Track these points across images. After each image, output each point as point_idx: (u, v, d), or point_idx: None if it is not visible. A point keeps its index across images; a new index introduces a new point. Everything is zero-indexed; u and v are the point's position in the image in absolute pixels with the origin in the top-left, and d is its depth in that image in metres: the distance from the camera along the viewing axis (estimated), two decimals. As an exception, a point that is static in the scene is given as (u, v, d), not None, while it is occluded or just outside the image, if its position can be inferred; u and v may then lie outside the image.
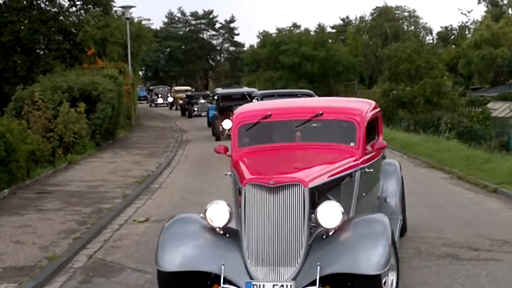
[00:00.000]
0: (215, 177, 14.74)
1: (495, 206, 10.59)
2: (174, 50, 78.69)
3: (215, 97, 26.46)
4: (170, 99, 53.46)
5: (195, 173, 15.65)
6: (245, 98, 22.47)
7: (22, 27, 32.39)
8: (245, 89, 27.96)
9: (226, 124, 21.69)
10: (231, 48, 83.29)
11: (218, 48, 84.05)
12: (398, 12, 64.64)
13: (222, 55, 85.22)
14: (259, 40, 59.91)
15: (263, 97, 17.68)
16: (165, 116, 42.00)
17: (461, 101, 38.95)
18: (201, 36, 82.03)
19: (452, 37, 71.69)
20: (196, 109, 38.54)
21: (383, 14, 62.09)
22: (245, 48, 78.51)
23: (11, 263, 7.42)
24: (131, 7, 30.33)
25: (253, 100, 17.70)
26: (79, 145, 17.92)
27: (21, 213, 10.33)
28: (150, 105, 57.09)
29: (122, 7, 31.13)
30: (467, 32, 69.02)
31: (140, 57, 39.14)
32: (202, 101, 38.84)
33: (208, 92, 47.13)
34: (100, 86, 20.13)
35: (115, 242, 8.67)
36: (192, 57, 79.33)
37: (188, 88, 56.84)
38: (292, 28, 58.24)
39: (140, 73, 75.72)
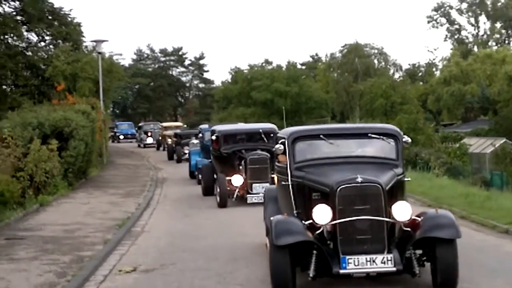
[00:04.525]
0: (199, 219, 13.86)
1: (514, 248, 9.80)
2: (142, 87, 77.58)
3: (212, 137, 17.82)
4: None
5: (177, 214, 14.67)
6: (261, 139, 16.69)
7: (-12, 63, 31.13)
8: (259, 126, 19.15)
9: (236, 180, 15.48)
10: (201, 85, 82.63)
11: (188, 85, 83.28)
12: (367, 49, 64.97)
13: (191, 92, 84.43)
14: (230, 76, 59.50)
15: (294, 140, 8.75)
16: (138, 154, 40.65)
17: (436, 137, 38.84)
18: (170, 73, 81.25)
19: (420, 74, 72.24)
20: (187, 151, 29.37)
21: (353, 51, 62.24)
22: (214, 85, 78.01)
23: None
24: (103, 41, 29.34)
25: (278, 145, 8.93)
26: (51, 185, 16.73)
27: (-9, 264, 9.19)
28: (139, 145, 47.44)
29: (94, 41, 30.14)
30: (434, 69, 69.76)
31: (111, 93, 37.98)
32: (195, 141, 28.55)
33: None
34: (73, 122, 19.00)
35: (101, 298, 7.61)
36: (161, 93, 78.38)
37: (179, 124, 47.21)
38: (264, 64, 58.00)
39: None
